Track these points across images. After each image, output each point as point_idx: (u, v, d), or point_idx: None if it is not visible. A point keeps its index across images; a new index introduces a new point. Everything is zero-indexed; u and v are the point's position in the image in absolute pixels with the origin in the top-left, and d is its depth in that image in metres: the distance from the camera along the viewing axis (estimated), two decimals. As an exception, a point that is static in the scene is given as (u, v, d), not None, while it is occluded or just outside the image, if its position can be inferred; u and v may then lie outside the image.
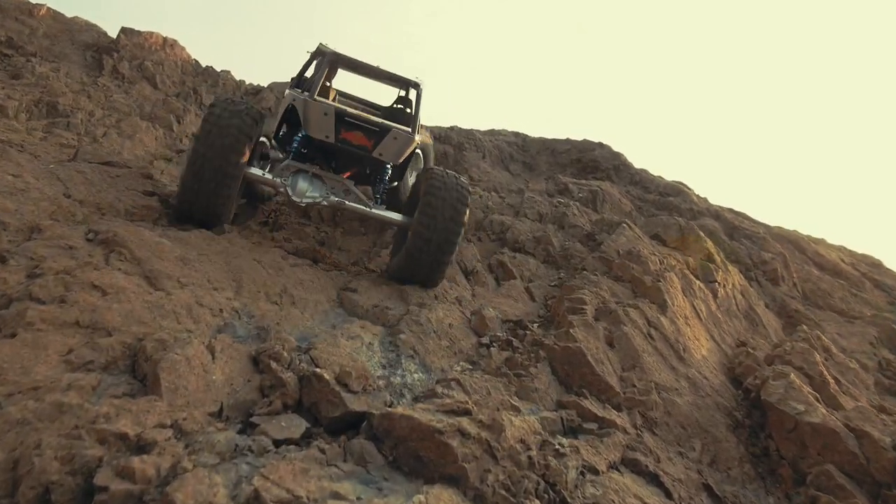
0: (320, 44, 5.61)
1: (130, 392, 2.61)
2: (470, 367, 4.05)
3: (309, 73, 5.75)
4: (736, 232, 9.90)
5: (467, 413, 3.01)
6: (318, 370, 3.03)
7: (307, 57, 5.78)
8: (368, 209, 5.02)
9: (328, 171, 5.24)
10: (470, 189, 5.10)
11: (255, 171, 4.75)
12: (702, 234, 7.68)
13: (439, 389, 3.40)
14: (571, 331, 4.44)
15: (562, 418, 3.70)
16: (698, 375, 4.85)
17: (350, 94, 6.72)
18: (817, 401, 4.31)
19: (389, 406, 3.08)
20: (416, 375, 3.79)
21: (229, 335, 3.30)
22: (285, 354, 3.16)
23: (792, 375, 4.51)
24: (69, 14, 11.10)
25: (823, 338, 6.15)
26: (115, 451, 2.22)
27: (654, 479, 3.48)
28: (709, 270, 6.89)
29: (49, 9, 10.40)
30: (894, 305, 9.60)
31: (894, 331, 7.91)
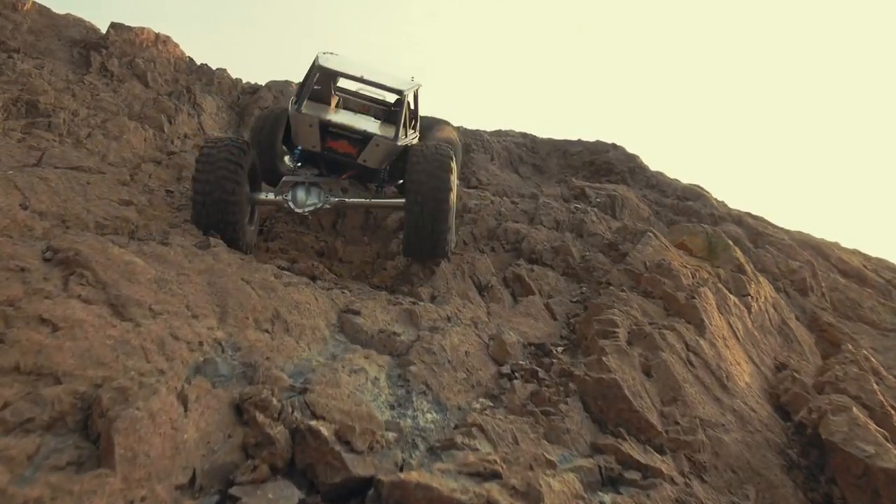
0: (318, 54, 5.68)
1: (78, 460, 2.07)
2: (491, 404, 3.51)
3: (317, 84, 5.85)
4: (760, 239, 9.36)
5: (496, 476, 2.48)
6: (313, 424, 2.49)
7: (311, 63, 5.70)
8: (369, 200, 5.43)
9: (326, 177, 5.48)
10: (451, 155, 5.14)
11: (260, 194, 5.28)
12: (730, 242, 7.13)
13: (459, 439, 2.86)
14: (604, 359, 3.90)
15: (600, 466, 3.17)
16: (744, 407, 4.30)
17: (359, 93, 6.51)
18: (887, 440, 3.76)
19: (401, 467, 2.54)
20: (429, 416, 3.26)
21: (208, 376, 2.77)
22: (275, 401, 2.62)
23: (854, 409, 3.97)
24: (73, 12, 10.58)
25: (872, 358, 5.60)
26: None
27: (714, 546, 2.94)
28: (741, 283, 6.35)
29: (35, 3, 9.87)
30: (929, 316, 9.06)
31: (937, 346, 7.36)
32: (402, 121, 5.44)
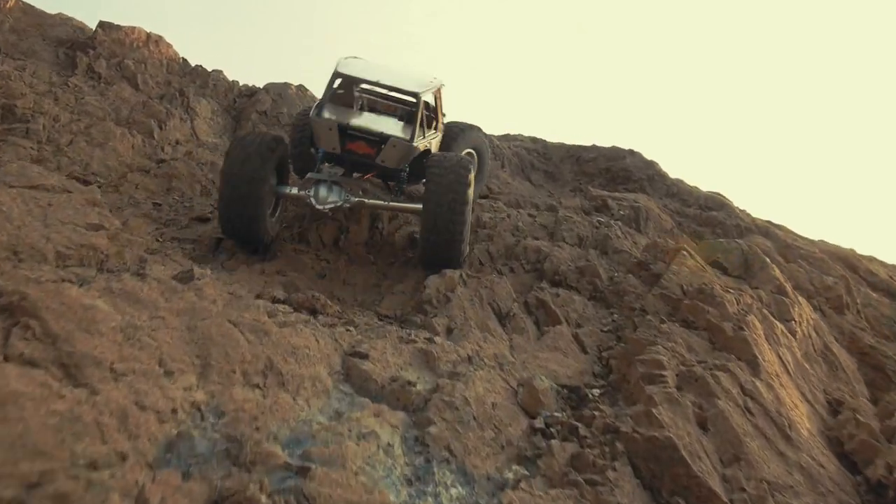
0: (339, 60, 5.99)
1: None
2: (526, 472, 2.94)
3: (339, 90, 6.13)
4: (790, 252, 8.78)
5: None
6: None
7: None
8: (387, 202, 5.64)
9: (349, 177, 5.77)
10: (470, 168, 5.26)
11: (285, 189, 5.55)
12: (767, 259, 6.56)
13: (495, 533, 2.29)
14: (654, 411, 3.32)
15: (661, 554, 2.60)
16: (812, 462, 3.73)
17: (385, 95, 6.64)
18: None
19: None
20: (454, 491, 2.70)
21: (182, 458, 2.20)
22: (264, 499, 2.04)
23: (947, 470, 3.40)
24: (68, 12, 10.02)
25: (937, 395, 5.03)
26: None
27: None
28: (784, 306, 5.77)
29: (19, 0, 9.31)
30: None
31: None
32: (418, 121, 5.60)
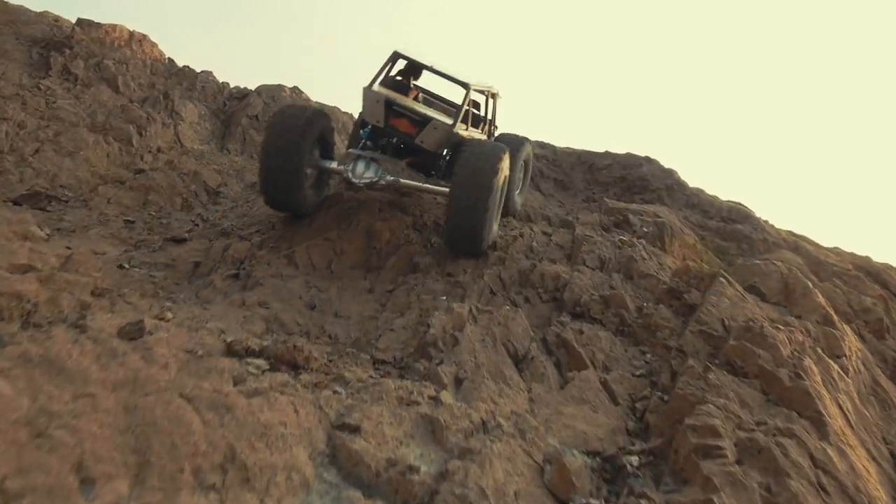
0: (395, 49, 6.02)
1: None
2: None
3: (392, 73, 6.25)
4: (821, 269, 8.11)
5: None
6: None
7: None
8: (421, 183, 5.73)
9: (385, 157, 5.78)
10: (502, 156, 5.27)
11: (325, 161, 5.72)
12: (809, 284, 5.90)
13: None
14: (715, 500, 2.66)
15: None
16: (901, 552, 3.07)
17: (436, 95, 6.94)
18: None
19: None
20: None
21: None
22: None
23: None
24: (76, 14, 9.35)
25: None
26: None
27: None
28: (833, 340, 5.12)
29: (-9, -4, 8.67)
30: None
31: None
32: (463, 111, 5.74)
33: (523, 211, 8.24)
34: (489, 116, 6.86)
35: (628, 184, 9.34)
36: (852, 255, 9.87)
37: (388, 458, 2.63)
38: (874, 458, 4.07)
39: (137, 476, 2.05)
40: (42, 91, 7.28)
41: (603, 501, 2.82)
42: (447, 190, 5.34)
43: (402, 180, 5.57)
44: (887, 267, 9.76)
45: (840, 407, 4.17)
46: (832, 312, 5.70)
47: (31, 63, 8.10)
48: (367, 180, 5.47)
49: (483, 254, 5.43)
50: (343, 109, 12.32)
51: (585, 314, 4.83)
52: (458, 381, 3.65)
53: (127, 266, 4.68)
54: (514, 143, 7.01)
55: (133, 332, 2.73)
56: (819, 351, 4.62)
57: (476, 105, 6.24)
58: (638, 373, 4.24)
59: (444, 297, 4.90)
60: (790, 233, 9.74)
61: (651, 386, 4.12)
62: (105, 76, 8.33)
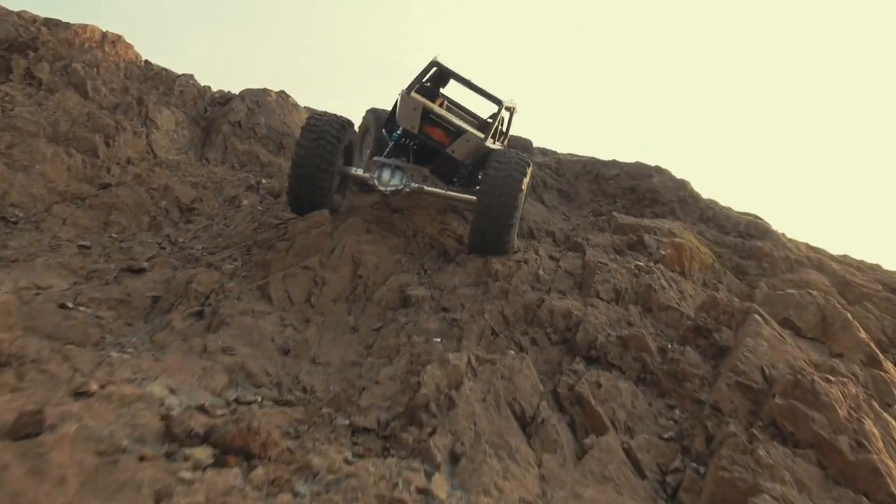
0: (434, 58, 6.21)
1: None
2: None
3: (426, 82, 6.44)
4: (849, 290, 7.47)
5: None
6: None
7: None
8: (445, 191, 5.90)
9: (412, 164, 5.96)
10: (528, 163, 5.57)
11: (350, 169, 5.93)
12: (848, 315, 5.28)
13: None
14: None
15: None
16: None
17: (459, 104, 7.17)
18: None
19: None
20: None
21: None
22: None
23: None
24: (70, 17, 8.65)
25: None
26: None
27: None
28: (883, 385, 4.49)
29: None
30: None
31: None
32: (496, 126, 6.12)
33: (526, 226, 7.60)
34: (506, 128, 7.09)
35: (638, 196, 8.70)
36: (874, 268, 9.25)
37: None
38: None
39: None
40: (-2, 97, 6.64)
41: None
42: (472, 197, 5.65)
43: (426, 187, 5.77)
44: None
45: (905, 475, 3.53)
46: (875, 349, 5.08)
47: (-9, 66, 7.45)
48: (393, 188, 5.63)
49: (508, 253, 5.63)
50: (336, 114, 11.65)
51: (602, 359, 4.19)
52: (455, 458, 3.01)
53: (71, 305, 4.03)
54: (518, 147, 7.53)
55: (27, 428, 2.09)
56: (874, 404, 3.98)
57: (499, 119, 6.51)
58: (666, 435, 3.61)
59: (439, 340, 4.26)
60: (809, 246, 9.12)
61: (682, 452, 3.49)
62: (73, 81, 7.67)
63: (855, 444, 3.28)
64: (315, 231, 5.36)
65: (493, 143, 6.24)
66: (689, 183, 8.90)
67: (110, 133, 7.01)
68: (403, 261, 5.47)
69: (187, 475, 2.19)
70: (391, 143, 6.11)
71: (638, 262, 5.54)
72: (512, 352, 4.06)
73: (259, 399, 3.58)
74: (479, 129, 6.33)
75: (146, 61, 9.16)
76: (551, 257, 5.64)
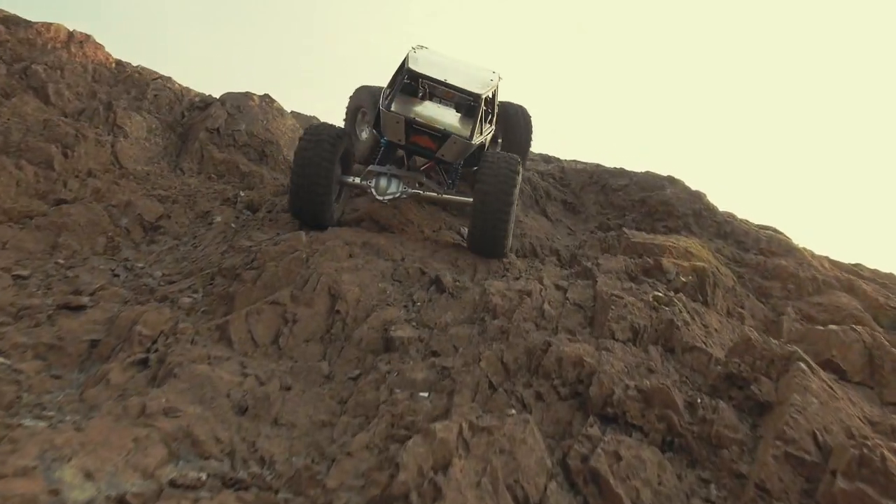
0: (409, 53, 6.24)
1: None
2: None
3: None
4: (882, 315, 6.82)
5: None
6: None
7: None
8: (440, 194, 6.17)
9: (405, 169, 6.16)
10: (518, 168, 5.67)
11: (347, 178, 6.09)
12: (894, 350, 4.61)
13: None
14: None
15: None
16: None
17: (446, 83, 6.53)
18: None
19: None
20: None
21: None
22: None
23: None
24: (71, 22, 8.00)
25: None
26: None
27: None
28: (948, 443, 3.81)
29: None
30: None
31: None
32: (478, 120, 6.04)
33: (528, 243, 6.94)
34: (493, 108, 6.90)
35: (649, 208, 8.04)
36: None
37: None
38: None
39: None
40: (-58, 104, 5.99)
41: None
42: (468, 199, 5.82)
43: (423, 192, 5.95)
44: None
45: None
46: (931, 395, 4.41)
47: (-60, 69, 6.80)
48: (391, 196, 5.77)
49: (505, 256, 5.79)
50: (321, 119, 11.02)
51: (620, 418, 3.52)
52: (440, 575, 2.35)
53: (-15, 355, 3.37)
54: (514, 114, 7.71)
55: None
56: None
57: (488, 101, 6.36)
58: (702, 524, 2.94)
59: (426, 395, 3.60)
60: (832, 262, 8.44)
61: (723, 548, 2.83)
62: (32, 84, 7.02)
63: (944, 546, 2.61)
64: (288, 257, 4.71)
65: (482, 133, 6.28)
66: (704, 195, 8.24)
67: (69, 142, 6.36)
68: (389, 290, 4.80)
69: None
70: (382, 149, 6.18)
71: (656, 293, 4.87)
72: (513, 412, 3.40)
73: (203, 477, 2.93)
74: (467, 115, 6.43)
75: (118, 62, 8.49)
76: (557, 286, 4.97)
